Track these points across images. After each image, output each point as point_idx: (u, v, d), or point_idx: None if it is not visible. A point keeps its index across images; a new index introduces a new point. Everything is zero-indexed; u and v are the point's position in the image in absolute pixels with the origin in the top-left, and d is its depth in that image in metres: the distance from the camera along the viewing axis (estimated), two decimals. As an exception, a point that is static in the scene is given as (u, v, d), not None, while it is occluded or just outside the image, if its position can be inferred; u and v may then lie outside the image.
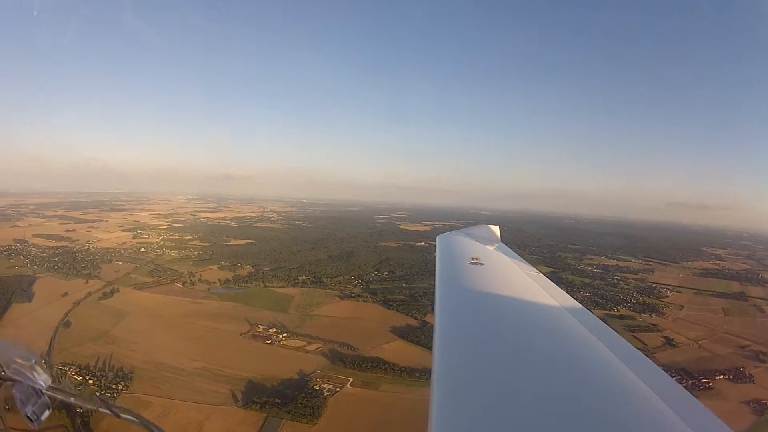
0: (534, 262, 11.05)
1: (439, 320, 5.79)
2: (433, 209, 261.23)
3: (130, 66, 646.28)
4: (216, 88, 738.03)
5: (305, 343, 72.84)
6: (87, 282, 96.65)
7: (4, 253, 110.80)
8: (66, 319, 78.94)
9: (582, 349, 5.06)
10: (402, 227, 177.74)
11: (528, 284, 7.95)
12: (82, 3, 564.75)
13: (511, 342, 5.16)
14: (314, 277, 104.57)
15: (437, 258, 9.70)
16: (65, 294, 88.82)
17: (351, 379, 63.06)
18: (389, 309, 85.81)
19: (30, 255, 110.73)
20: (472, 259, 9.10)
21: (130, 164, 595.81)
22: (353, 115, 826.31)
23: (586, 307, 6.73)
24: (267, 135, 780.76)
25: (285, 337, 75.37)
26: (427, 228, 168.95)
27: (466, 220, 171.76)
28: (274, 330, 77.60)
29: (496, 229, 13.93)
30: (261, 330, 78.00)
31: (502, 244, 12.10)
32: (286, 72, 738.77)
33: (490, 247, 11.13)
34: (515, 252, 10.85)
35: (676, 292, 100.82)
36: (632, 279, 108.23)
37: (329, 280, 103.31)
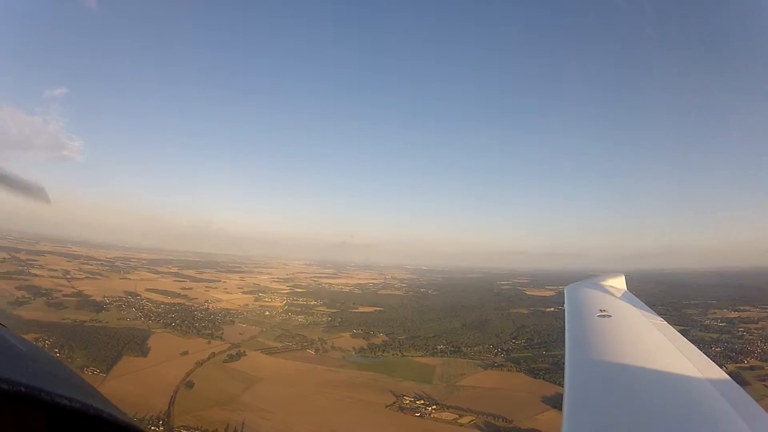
0: (664, 323, 10.79)
1: (568, 379, 6.26)
2: (552, 273, 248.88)
3: (248, 136, 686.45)
4: (333, 159, 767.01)
5: (457, 416, 70.18)
6: (209, 342, 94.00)
7: (115, 303, 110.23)
8: (188, 379, 76.19)
9: (714, 416, 5.14)
10: (528, 293, 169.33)
11: (656, 338, 8.19)
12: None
13: (639, 404, 5.37)
14: (453, 347, 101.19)
15: (566, 310, 10.43)
16: (185, 353, 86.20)
17: (510, 453, 62.61)
18: (536, 378, 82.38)
19: (143, 309, 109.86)
20: (600, 311, 9.67)
21: (246, 228, 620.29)
22: (466, 185, 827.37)
23: (717, 361, 6.88)
24: (386, 205, 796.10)
25: (434, 409, 72.53)
26: (552, 293, 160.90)
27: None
28: (422, 402, 74.81)
29: (621, 278, 14.28)
30: (408, 402, 75.04)
31: (628, 292, 12.65)
32: (399, 147, 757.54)
33: (617, 296, 11.69)
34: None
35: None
36: (754, 329, 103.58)
37: (468, 349, 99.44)
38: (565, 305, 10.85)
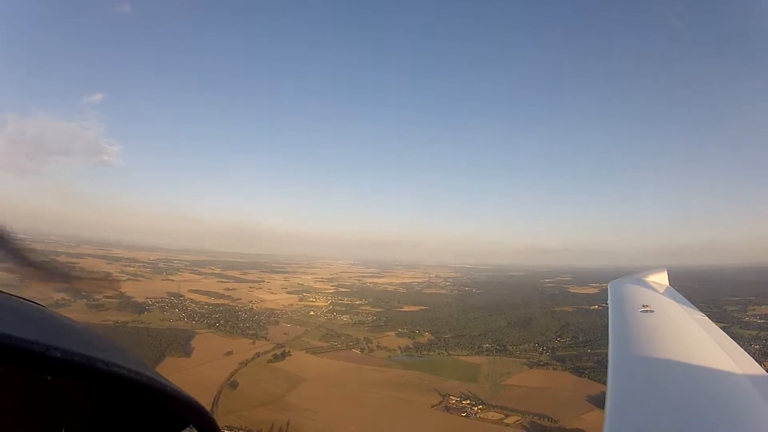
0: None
1: (611, 374, 6.22)
2: (595, 270, 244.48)
3: (293, 138, 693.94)
4: (379, 162, 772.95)
5: (503, 416, 70.60)
6: (254, 342, 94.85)
7: (158, 305, 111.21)
8: (232, 379, 76.81)
9: (752, 415, 5.12)
10: (572, 290, 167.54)
11: (697, 334, 8.24)
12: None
13: (678, 401, 5.36)
14: (498, 345, 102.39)
15: (609, 306, 10.44)
16: (229, 353, 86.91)
17: (556, 453, 62.90)
18: (581, 377, 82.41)
19: (186, 309, 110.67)
20: (643, 306, 9.69)
21: (289, 228, 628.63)
22: (507, 185, 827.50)
23: (756, 359, 6.72)
24: (430, 206, 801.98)
25: (480, 409, 72.75)
26: (596, 290, 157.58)
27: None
28: (468, 401, 75.07)
29: (664, 273, 13.87)
30: (454, 401, 75.36)
31: (670, 287, 12.57)
32: (444, 151, 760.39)
33: (659, 291, 11.70)
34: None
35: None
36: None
37: (513, 347, 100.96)
38: (608, 301, 10.89)
